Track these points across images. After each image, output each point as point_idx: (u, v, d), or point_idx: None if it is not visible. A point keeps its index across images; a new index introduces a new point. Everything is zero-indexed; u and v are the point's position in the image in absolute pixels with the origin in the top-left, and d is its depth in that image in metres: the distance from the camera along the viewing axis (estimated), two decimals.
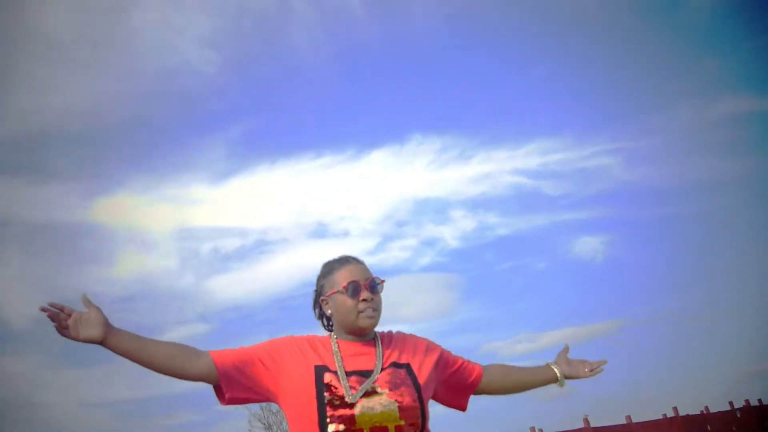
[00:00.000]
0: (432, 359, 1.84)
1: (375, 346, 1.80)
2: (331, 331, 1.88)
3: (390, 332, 1.91)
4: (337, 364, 1.72)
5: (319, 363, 1.73)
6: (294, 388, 1.70)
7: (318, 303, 1.90)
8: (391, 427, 1.63)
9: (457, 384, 1.93)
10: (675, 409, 15.40)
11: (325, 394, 1.66)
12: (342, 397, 1.64)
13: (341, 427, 1.62)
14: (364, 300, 1.77)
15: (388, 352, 1.79)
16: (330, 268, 1.88)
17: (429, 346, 1.89)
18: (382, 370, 1.73)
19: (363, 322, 1.77)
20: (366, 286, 1.79)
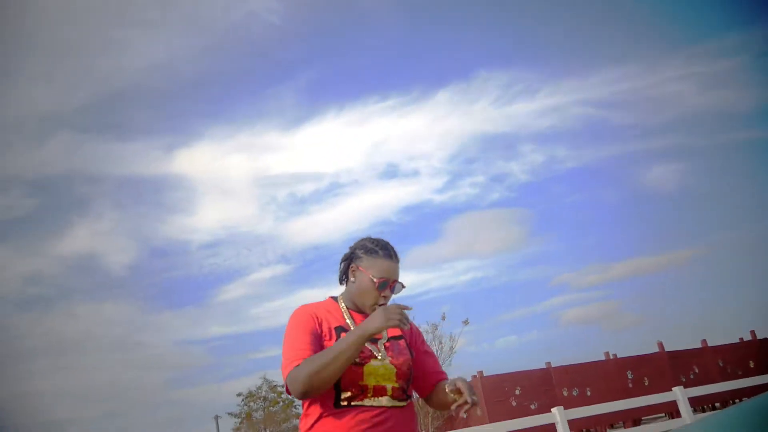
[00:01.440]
0: (411, 333, 2.09)
1: None
2: (341, 284, 2.10)
3: None
4: (352, 327, 1.94)
5: (337, 325, 1.96)
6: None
7: (348, 264, 2.06)
8: (389, 386, 1.88)
9: (427, 368, 2.08)
10: (753, 332, 15.57)
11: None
12: (359, 357, 1.85)
13: (350, 379, 1.84)
14: (384, 296, 1.97)
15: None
16: (375, 250, 2.02)
17: (417, 329, 2.15)
18: (387, 341, 1.96)
19: (372, 311, 1.96)
20: (391, 287, 1.99)
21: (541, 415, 7.01)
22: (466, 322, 14.12)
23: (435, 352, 2.20)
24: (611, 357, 14.00)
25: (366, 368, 1.87)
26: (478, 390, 11.91)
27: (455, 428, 12.05)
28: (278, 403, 27.40)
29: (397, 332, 2.03)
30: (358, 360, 1.85)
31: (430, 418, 12.42)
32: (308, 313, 1.96)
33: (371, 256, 2.00)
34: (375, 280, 1.96)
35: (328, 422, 1.84)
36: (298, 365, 1.80)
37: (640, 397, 7.76)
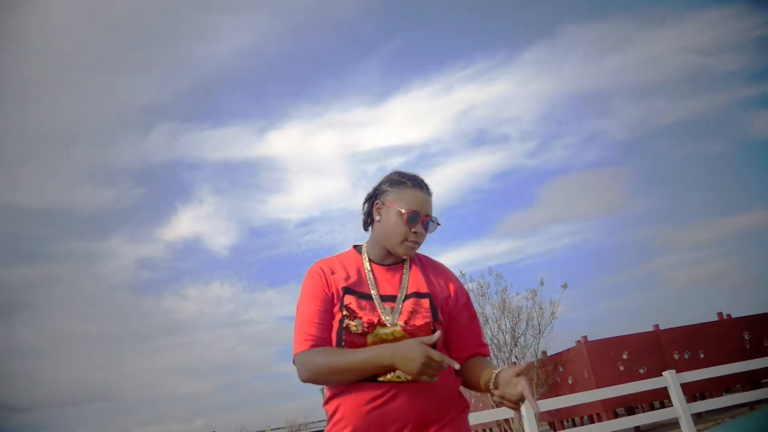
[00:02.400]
0: (447, 292, 1.76)
1: (403, 270, 1.76)
2: (366, 230, 1.87)
3: (419, 257, 1.84)
4: (371, 289, 1.70)
5: (345, 284, 1.69)
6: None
7: (372, 201, 1.83)
8: None
9: (466, 336, 1.78)
10: None
11: (345, 318, 1.63)
12: (360, 324, 1.62)
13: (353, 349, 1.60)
14: (415, 232, 1.72)
15: (414, 279, 1.74)
16: (402, 181, 1.78)
17: (453, 279, 1.82)
18: (406, 298, 1.68)
19: (402, 249, 1.73)
20: (423, 221, 1.73)
21: (651, 379, 6.91)
22: (565, 286, 13.86)
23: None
24: (725, 317, 13.39)
25: (370, 337, 1.61)
26: (582, 356, 11.82)
27: (560, 394, 12.04)
28: None
29: (422, 287, 1.71)
30: (362, 328, 1.61)
31: (534, 385, 12.46)
32: (317, 273, 1.73)
33: (398, 188, 1.77)
34: (403, 211, 1.71)
35: (340, 398, 1.62)
36: (306, 351, 1.63)
37: (759, 359, 7.46)
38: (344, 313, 1.64)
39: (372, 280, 1.73)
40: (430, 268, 1.81)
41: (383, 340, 1.60)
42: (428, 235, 1.79)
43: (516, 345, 13.22)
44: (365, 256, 1.80)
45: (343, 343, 1.61)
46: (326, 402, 1.68)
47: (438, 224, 1.77)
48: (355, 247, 1.86)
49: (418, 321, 1.63)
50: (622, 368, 11.91)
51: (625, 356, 12.08)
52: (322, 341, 1.64)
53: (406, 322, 1.63)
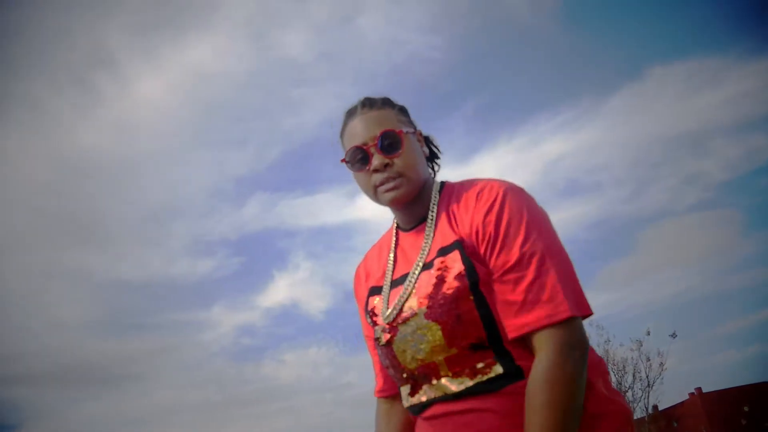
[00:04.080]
0: (474, 221, 1.13)
1: (424, 228, 1.22)
2: None
3: (461, 185, 1.25)
4: (387, 273, 1.25)
5: (372, 283, 1.29)
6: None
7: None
8: (439, 361, 1.07)
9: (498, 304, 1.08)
10: None
11: (374, 326, 1.23)
12: (379, 331, 1.20)
13: (391, 366, 1.19)
14: (374, 171, 1.20)
15: (442, 228, 1.18)
16: (341, 129, 1.32)
17: (484, 195, 1.15)
18: (426, 267, 1.14)
19: (383, 199, 1.22)
20: (375, 148, 1.19)
21: None
22: (673, 335, 13.22)
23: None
24: None
25: (396, 346, 1.14)
26: (698, 409, 11.16)
27: None
28: None
29: (451, 235, 1.14)
30: (383, 339, 1.18)
31: None
32: (354, 287, 1.41)
33: (341, 138, 1.31)
34: (344, 160, 1.26)
35: None
36: (378, 400, 1.36)
37: None
38: (370, 322, 1.25)
39: (392, 259, 1.26)
40: (464, 195, 1.19)
41: (407, 342, 1.12)
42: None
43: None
44: (394, 226, 1.33)
45: (383, 360, 1.22)
46: None
47: (399, 132, 1.20)
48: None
49: (448, 293, 1.07)
50: (744, 422, 11.12)
51: (746, 409, 11.29)
52: (384, 384, 1.33)
53: (429, 307, 1.09)
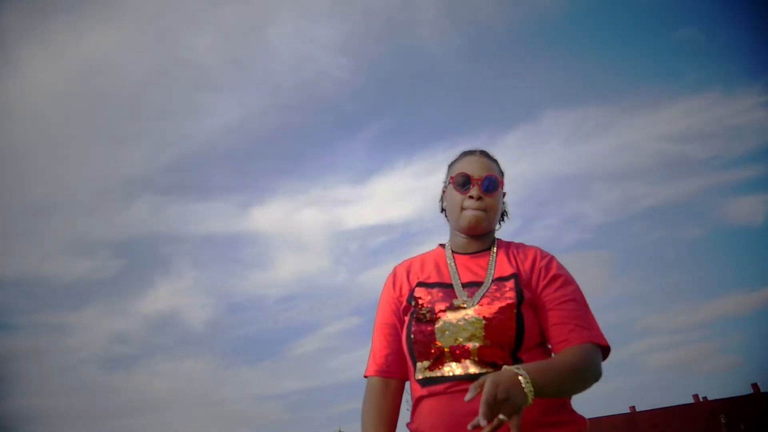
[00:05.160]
0: (531, 268, 1.54)
1: (489, 257, 1.58)
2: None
3: (513, 243, 1.66)
4: (452, 277, 1.55)
5: (420, 278, 1.59)
6: (402, 310, 1.59)
7: (442, 196, 1.74)
8: (472, 347, 1.38)
9: (548, 327, 1.47)
10: None
11: (415, 309, 1.51)
12: (428, 310, 1.47)
13: (422, 341, 1.45)
14: (471, 197, 1.56)
15: (500, 263, 1.55)
16: (453, 160, 1.69)
17: (539, 255, 1.58)
18: (489, 284, 1.49)
19: (464, 220, 1.56)
20: (478, 183, 1.56)
21: None
22: None
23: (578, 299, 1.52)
24: (701, 400, 13.32)
25: (438, 324, 1.44)
26: None
27: None
28: None
29: (506, 270, 1.52)
30: (429, 315, 1.46)
31: None
32: (389, 281, 1.66)
33: (452, 166, 1.68)
34: (451, 179, 1.62)
35: (416, 407, 1.49)
36: (369, 378, 1.58)
37: None
38: (413, 304, 1.52)
39: (453, 268, 1.57)
40: (519, 250, 1.60)
41: (453, 326, 1.41)
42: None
43: None
44: (448, 249, 1.64)
45: (412, 336, 1.46)
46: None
47: (500, 181, 1.61)
48: (441, 244, 1.70)
49: (500, 303, 1.41)
50: None
51: None
52: (388, 362, 1.56)
53: (483, 306, 1.43)
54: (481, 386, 1.13)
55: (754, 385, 13.59)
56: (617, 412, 12.61)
